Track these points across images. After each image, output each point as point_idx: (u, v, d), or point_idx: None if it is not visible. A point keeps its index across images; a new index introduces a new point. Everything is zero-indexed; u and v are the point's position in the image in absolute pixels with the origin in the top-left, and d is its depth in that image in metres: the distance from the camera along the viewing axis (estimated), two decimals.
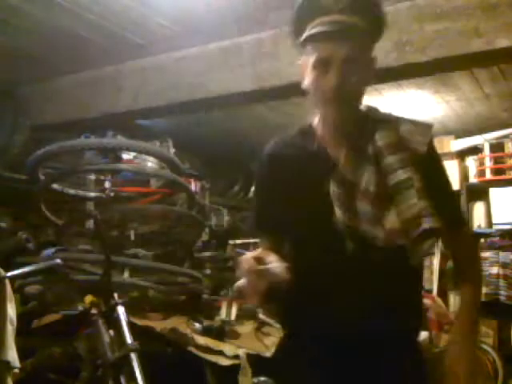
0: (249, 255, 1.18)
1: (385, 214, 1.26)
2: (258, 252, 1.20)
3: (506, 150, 5.01)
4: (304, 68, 1.34)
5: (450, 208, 1.40)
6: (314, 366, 1.37)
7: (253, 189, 1.50)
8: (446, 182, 1.44)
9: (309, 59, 1.30)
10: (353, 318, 1.30)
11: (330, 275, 1.33)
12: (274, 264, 1.14)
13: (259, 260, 1.15)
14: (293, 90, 2.94)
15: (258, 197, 1.53)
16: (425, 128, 1.35)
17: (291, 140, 1.45)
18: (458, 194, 5.17)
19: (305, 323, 1.39)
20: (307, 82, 1.33)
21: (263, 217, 1.49)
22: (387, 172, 1.26)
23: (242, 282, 1.17)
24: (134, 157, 3.76)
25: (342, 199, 1.29)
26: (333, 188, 1.30)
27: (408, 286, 1.36)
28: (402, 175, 1.24)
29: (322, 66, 1.28)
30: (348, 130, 1.34)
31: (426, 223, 1.20)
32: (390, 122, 1.36)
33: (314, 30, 1.27)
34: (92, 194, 3.70)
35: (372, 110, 1.41)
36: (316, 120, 1.42)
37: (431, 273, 5.19)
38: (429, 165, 1.32)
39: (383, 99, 4.21)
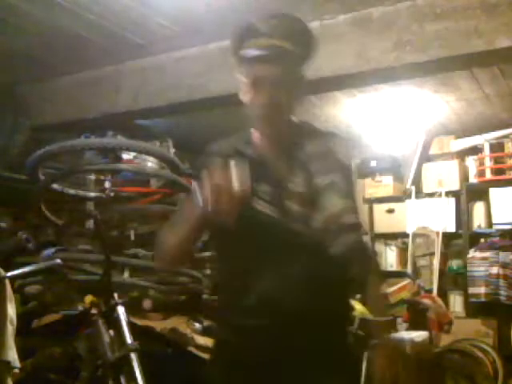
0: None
1: (312, 214, 1.41)
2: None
3: (506, 150, 5.01)
4: (241, 84, 1.49)
5: None
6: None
7: None
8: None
9: (244, 77, 1.47)
10: (274, 302, 1.41)
11: (256, 267, 1.45)
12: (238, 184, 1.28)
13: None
14: None
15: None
16: (348, 144, 1.48)
17: (232, 143, 1.59)
18: (458, 193, 5.18)
19: (229, 311, 1.51)
20: (244, 97, 1.48)
21: None
22: (315, 176, 1.42)
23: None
24: (134, 157, 3.76)
25: (274, 199, 1.43)
26: (265, 189, 1.44)
27: (334, 272, 1.47)
28: (327, 179, 1.41)
29: (254, 85, 1.44)
30: (280, 139, 1.50)
31: (348, 219, 1.36)
32: (319, 135, 1.54)
33: (247, 53, 1.43)
34: (92, 194, 3.69)
35: (305, 124, 1.57)
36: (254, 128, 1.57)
37: (431, 273, 5.19)
38: (348, 177, 1.49)
39: (383, 99, 4.21)
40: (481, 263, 4.88)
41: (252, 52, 1.43)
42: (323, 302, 1.44)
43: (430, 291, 4.93)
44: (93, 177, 3.69)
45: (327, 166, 1.43)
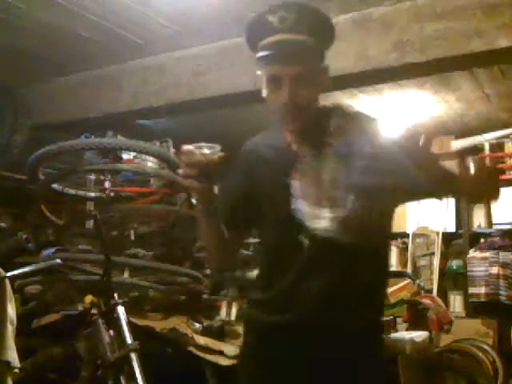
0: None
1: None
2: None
3: (506, 150, 5.01)
4: (261, 81, 1.45)
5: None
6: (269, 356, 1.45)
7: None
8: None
9: (263, 75, 1.43)
10: (311, 307, 1.38)
11: (288, 264, 1.42)
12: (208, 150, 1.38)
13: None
14: None
15: (227, 187, 1.62)
16: (373, 118, 1.48)
17: (263, 138, 1.59)
18: None
19: (265, 311, 1.47)
20: (265, 93, 1.45)
21: (227, 208, 1.57)
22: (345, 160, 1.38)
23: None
24: (134, 157, 3.76)
25: (307, 190, 1.40)
26: (296, 180, 1.41)
27: (368, 275, 1.42)
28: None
29: (273, 83, 1.40)
30: (306, 130, 1.45)
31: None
32: (345, 114, 1.49)
33: (262, 53, 1.38)
34: (92, 194, 3.69)
35: (336, 108, 1.52)
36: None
37: (431, 273, 5.19)
38: (380, 144, 1.39)
39: (383, 99, 4.21)
40: (481, 263, 4.88)
41: (266, 51, 1.37)
42: (350, 306, 1.39)
43: (429, 291, 4.93)
44: (93, 177, 3.69)
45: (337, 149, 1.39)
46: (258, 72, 1.45)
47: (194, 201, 1.53)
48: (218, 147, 1.41)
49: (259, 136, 1.61)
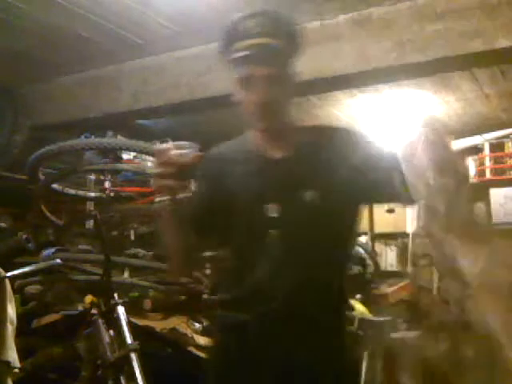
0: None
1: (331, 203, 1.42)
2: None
3: (506, 150, 5.02)
4: (234, 84, 1.52)
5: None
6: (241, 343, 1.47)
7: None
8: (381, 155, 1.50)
9: (235, 77, 1.50)
10: (281, 300, 1.41)
11: (258, 261, 1.46)
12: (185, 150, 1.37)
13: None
14: None
15: (197, 192, 1.61)
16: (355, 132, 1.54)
17: (232, 143, 1.64)
18: None
19: (232, 306, 1.51)
20: (237, 96, 1.51)
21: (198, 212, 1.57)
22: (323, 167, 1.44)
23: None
24: (134, 157, 3.76)
25: (278, 191, 1.45)
26: (267, 182, 1.46)
27: (332, 269, 1.48)
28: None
29: (244, 84, 1.47)
30: (276, 133, 1.51)
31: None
32: (322, 127, 1.60)
33: (235, 54, 1.46)
34: (92, 194, 3.70)
35: (315, 124, 1.61)
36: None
37: (431, 273, 5.19)
38: (360, 152, 1.44)
39: (383, 99, 4.21)
40: None
41: (239, 53, 1.45)
42: (316, 298, 1.44)
43: (430, 291, 4.94)
44: (93, 177, 3.69)
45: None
46: (235, 75, 1.51)
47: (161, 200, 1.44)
48: (196, 147, 1.40)
49: (227, 142, 1.65)
